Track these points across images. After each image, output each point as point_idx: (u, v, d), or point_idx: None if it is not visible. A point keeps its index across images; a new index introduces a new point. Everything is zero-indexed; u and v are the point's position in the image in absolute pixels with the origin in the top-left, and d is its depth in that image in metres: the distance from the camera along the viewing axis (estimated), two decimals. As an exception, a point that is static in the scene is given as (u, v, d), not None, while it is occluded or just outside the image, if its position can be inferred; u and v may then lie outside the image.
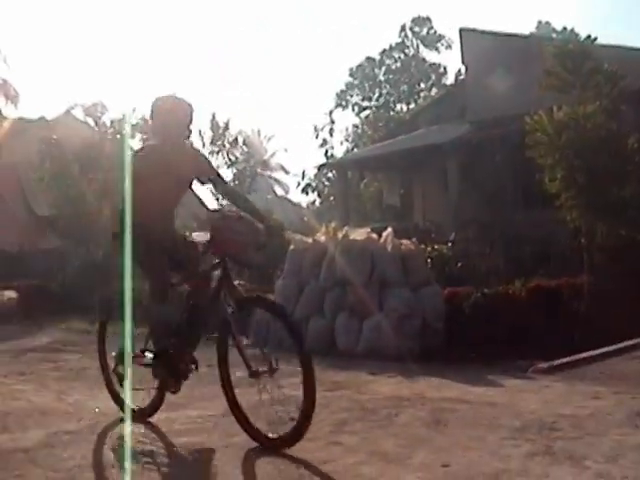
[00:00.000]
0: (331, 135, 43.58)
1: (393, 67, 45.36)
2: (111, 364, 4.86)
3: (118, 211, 4.58)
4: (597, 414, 4.33)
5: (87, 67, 60.48)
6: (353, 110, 45.08)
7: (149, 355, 4.51)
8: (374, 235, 7.81)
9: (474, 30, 16.87)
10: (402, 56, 45.45)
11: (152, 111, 4.44)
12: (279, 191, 40.54)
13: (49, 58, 63.63)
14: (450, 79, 41.80)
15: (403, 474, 3.35)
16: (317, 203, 36.12)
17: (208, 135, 32.41)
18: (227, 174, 23.32)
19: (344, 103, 45.09)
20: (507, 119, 12.60)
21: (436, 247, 10.38)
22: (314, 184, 37.03)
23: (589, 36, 8.97)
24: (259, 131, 36.78)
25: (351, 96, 45.33)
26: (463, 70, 20.86)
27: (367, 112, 44.46)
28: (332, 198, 32.93)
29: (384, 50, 45.47)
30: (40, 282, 14.46)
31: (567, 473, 3.29)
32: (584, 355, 6.12)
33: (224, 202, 21.38)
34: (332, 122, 44.07)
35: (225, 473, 3.59)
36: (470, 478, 3.28)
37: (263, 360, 3.97)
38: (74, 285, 13.91)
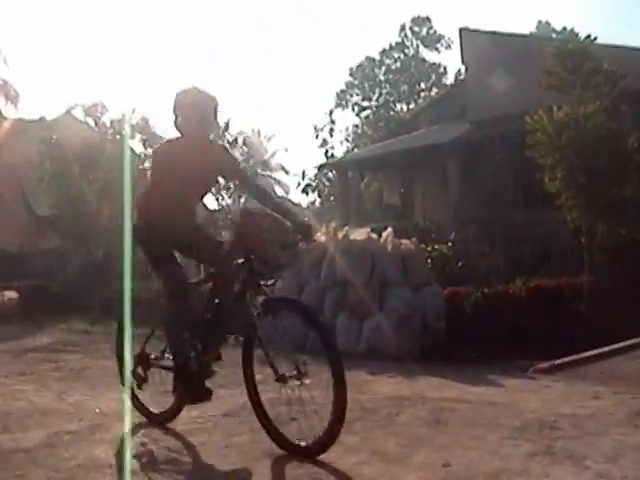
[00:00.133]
0: (331, 135, 43.53)
1: (393, 67, 45.37)
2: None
3: (138, 211, 4.39)
4: (597, 414, 4.34)
5: (87, 67, 60.47)
6: (353, 110, 45.08)
7: (168, 357, 4.39)
8: (374, 235, 7.81)
9: (474, 30, 16.87)
10: (402, 56, 45.46)
11: (174, 105, 4.20)
12: (279, 191, 40.58)
13: (49, 58, 63.63)
14: (450, 79, 41.85)
15: (404, 474, 3.35)
16: (317, 203, 36.18)
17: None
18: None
19: (344, 103, 45.10)
20: (507, 119, 12.60)
21: (436, 247, 10.38)
22: (314, 184, 37.03)
23: (589, 36, 8.96)
24: (259, 131, 36.80)
25: (351, 96, 45.34)
26: (463, 70, 20.87)
27: (367, 112, 44.49)
28: (332, 198, 32.97)
29: (384, 50, 45.49)
30: (40, 282, 14.47)
31: (567, 473, 3.29)
32: (584, 355, 6.12)
33: (224, 203, 21.38)
34: (332, 122, 44.01)
35: (225, 473, 3.59)
36: (470, 478, 3.29)
37: (290, 364, 3.81)
38: (74, 285, 13.92)
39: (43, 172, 15.44)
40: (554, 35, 30.06)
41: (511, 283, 7.65)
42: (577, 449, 3.60)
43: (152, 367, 4.55)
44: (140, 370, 4.58)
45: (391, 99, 45.10)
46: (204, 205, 24.08)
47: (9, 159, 20.28)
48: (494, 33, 16.34)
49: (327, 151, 41.78)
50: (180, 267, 4.26)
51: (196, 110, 4.13)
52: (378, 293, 7.31)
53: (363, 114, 44.62)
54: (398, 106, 44.41)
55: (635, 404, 4.50)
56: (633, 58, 11.87)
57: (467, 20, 69.15)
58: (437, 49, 45.26)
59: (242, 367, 4.08)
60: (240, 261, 4.06)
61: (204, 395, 4.11)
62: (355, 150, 37.14)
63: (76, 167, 15.27)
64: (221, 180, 4.64)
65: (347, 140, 44.21)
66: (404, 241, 7.77)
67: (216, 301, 4.19)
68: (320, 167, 24.08)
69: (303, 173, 34.97)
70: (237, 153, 29.04)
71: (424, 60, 45.24)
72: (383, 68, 45.45)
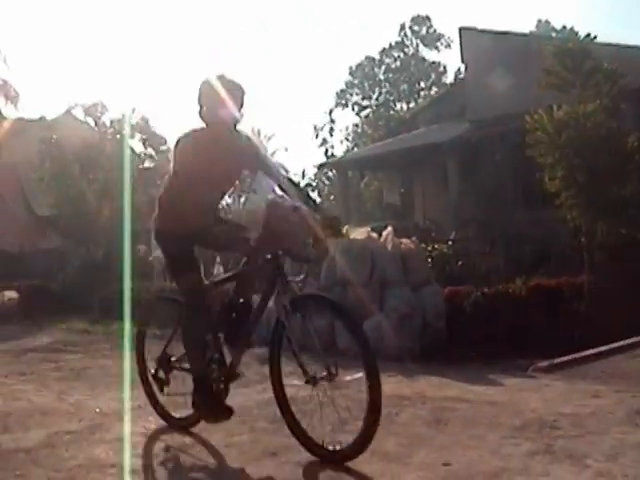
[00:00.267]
0: (331, 134, 43.65)
1: (393, 66, 45.38)
2: (151, 369, 4.57)
3: (157, 206, 4.20)
4: (598, 413, 4.33)
5: (87, 67, 60.44)
6: (353, 109, 45.13)
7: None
8: (374, 234, 7.81)
9: (474, 29, 16.88)
10: (402, 55, 45.48)
11: (199, 94, 3.97)
12: (279, 191, 40.50)
13: (49, 58, 63.64)
14: (450, 78, 41.89)
15: (404, 473, 3.35)
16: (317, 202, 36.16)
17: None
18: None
19: (344, 102, 45.13)
20: (507, 118, 12.60)
21: (436, 246, 10.38)
22: (314, 183, 37.09)
23: (589, 35, 8.96)
24: (259, 131, 36.78)
25: (351, 95, 45.36)
26: (463, 69, 20.88)
27: (367, 111, 44.52)
28: (332, 197, 33.00)
29: (384, 49, 45.51)
30: (40, 282, 14.47)
31: (567, 472, 3.29)
32: (584, 354, 6.12)
33: (224, 202, 21.36)
34: (332, 121, 44.15)
35: (225, 472, 3.59)
36: (471, 477, 3.29)
37: (320, 365, 3.65)
38: (74, 285, 13.92)
39: (43, 172, 15.45)
40: (554, 34, 30.06)
41: (511, 282, 7.65)
42: (577, 448, 3.60)
43: (174, 370, 4.38)
44: (161, 373, 4.44)
45: (391, 98, 45.13)
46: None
47: (9, 159, 20.28)
48: (494, 32, 16.35)
49: (327, 150, 41.87)
50: (199, 269, 4.10)
51: (222, 99, 3.90)
52: (378, 292, 7.30)
53: (363, 113, 44.66)
54: (398, 105, 44.46)
55: (635, 403, 4.49)
56: (633, 57, 11.88)
57: (467, 19, 69.04)
58: (437, 48, 45.29)
59: (269, 367, 3.91)
60: (267, 257, 3.86)
61: (223, 414, 3.92)
62: (355, 149, 37.18)
63: (76, 167, 15.27)
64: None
65: (347, 139, 44.28)
66: (404, 240, 7.77)
67: (241, 300, 4.06)
68: (320, 166, 24.14)
69: (303, 172, 35.04)
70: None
71: (424, 59, 45.26)
72: (383, 67, 45.47)
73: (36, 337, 9.92)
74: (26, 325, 11.41)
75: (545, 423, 4.11)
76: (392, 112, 42.01)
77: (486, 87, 14.73)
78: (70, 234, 15.57)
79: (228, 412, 3.91)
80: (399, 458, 3.56)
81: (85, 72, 58.48)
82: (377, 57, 45.66)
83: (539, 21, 41.32)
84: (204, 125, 3.98)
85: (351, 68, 45.58)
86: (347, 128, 44.91)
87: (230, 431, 4.16)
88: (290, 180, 4.23)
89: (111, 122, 16.35)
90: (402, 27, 45.58)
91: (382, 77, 45.30)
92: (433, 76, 45.12)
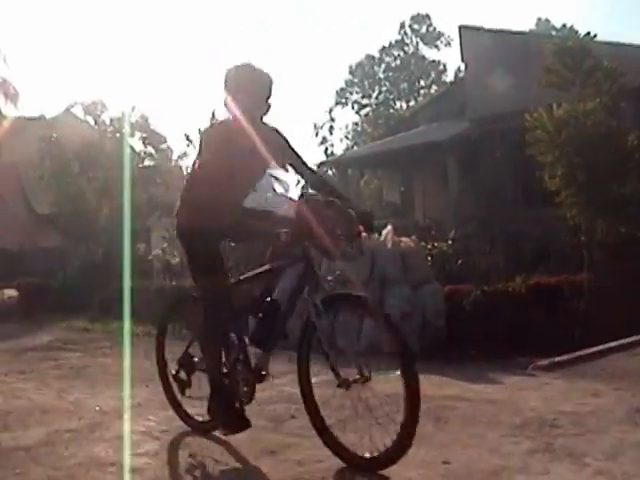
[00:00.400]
0: (331, 133, 43.67)
1: (393, 65, 45.38)
2: (171, 371, 4.40)
3: (180, 201, 3.99)
4: (597, 411, 4.34)
5: (87, 65, 60.43)
6: (353, 108, 45.14)
7: None
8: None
9: (474, 27, 16.85)
10: (402, 54, 45.48)
11: (225, 82, 3.79)
12: (279, 189, 40.54)
13: (49, 57, 63.57)
14: (450, 76, 41.89)
15: (404, 471, 3.35)
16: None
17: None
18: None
19: (344, 101, 45.14)
20: (507, 116, 12.59)
21: (436, 244, 10.37)
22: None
23: (588, 33, 8.97)
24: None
25: (351, 94, 45.37)
26: (463, 67, 20.86)
27: (367, 110, 44.53)
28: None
29: (383, 48, 45.51)
30: (40, 280, 14.49)
31: (567, 470, 3.29)
32: (584, 352, 6.12)
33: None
34: (332, 120, 44.17)
35: (224, 470, 3.59)
36: (470, 475, 3.29)
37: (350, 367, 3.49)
38: (74, 283, 13.94)
39: (43, 170, 15.45)
40: (554, 32, 30.10)
41: (511, 281, 7.65)
42: (577, 446, 3.60)
43: (196, 371, 4.17)
44: (183, 374, 4.25)
45: (391, 97, 45.14)
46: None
47: (9, 157, 20.29)
48: (494, 31, 16.34)
49: (327, 149, 41.89)
50: (224, 266, 3.93)
51: (251, 89, 3.74)
52: (378, 291, 7.29)
53: (363, 112, 44.66)
54: (398, 104, 44.48)
55: (635, 401, 4.49)
56: (633, 55, 11.87)
57: (467, 17, 69.03)
58: (437, 47, 45.29)
59: (297, 371, 3.73)
60: (297, 253, 3.69)
61: (239, 425, 3.73)
62: (355, 148, 37.19)
63: (76, 165, 15.27)
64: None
65: (347, 138, 44.29)
66: (404, 239, 7.76)
67: (268, 299, 3.86)
68: (320, 165, 24.05)
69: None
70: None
71: (424, 58, 45.26)
72: (383, 66, 45.47)
73: (36, 335, 9.92)
74: (26, 323, 11.43)
75: (545, 421, 4.11)
76: (392, 110, 42.03)
77: (486, 86, 14.71)
78: (70, 232, 15.58)
79: (245, 424, 3.73)
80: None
81: (85, 70, 58.47)
82: (377, 56, 45.66)
83: (539, 20, 41.37)
84: (230, 116, 3.81)
85: (351, 67, 45.60)
86: (347, 126, 44.94)
87: (230, 429, 4.15)
88: (318, 175, 4.09)
89: (111, 120, 16.33)
90: (402, 25, 45.59)
91: (382, 75, 45.30)
92: (433, 74, 45.12)
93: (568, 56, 8.51)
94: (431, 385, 5.39)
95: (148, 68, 60.40)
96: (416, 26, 45.41)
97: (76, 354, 8.07)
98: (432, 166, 16.94)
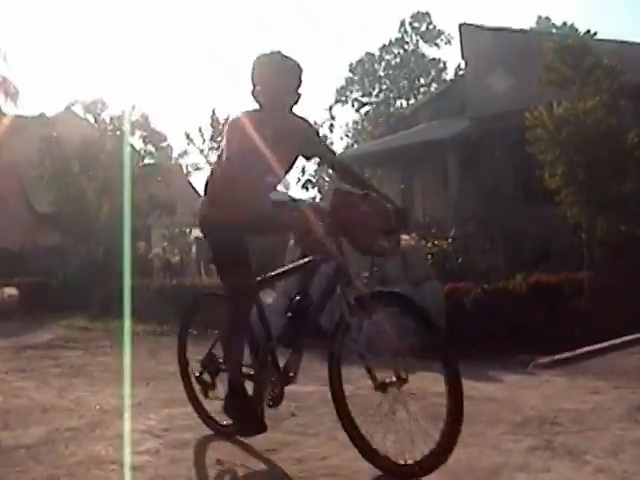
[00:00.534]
0: (331, 131, 43.70)
1: (393, 63, 45.40)
2: (194, 372, 4.26)
3: (205, 194, 3.85)
4: (598, 409, 4.34)
5: (87, 64, 60.47)
6: (353, 106, 45.15)
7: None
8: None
9: (474, 25, 16.82)
10: (402, 52, 45.50)
11: (252, 72, 3.62)
12: (279, 187, 40.50)
13: (49, 55, 63.62)
14: (450, 74, 41.91)
15: (403, 469, 3.34)
16: (317, 199, 36.16)
17: (208, 131, 32.39)
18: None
19: (344, 99, 45.15)
20: (507, 115, 12.58)
21: (436, 243, 10.38)
22: (314, 180, 37.04)
23: (589, 31, 8.98)
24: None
25: (351, 92, 45.38)
26: (463, 65, 20.85)
27: (367, 108, 44.54)
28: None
29: (384, 46, 45.55)
30: (41, 279, 14.51)
31: (568, 468, 3.29)
32: (585, 350, 6.13)
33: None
34: (332, 118, 44.16)
35: (224, 469, 3.59)
36: (471, 473, 3.29)
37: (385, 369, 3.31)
38: (74, 282, 13.96)
39: (43, 169, 15.45)
40: (554, 31, 30.10)
41: (511, 279, 7.65)
42: (577, 444, 3.60)
43: (221, 372, 4.04)
44: (206, 376, 4.10)
45: (391, 95, 45.15)
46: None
47: (9, 156, 20.28)
48: (494, 29, 16.32)
49: (327, 147, 41.81)
50: (250, 262, 3.73)
51: (278, 78, 3.58)
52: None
53: (363, 110, 44.67)
54: (398, 102, 44.47)
55: (635, 399, 4.50)
56: (633, 53, 11.86)
57: (467, 15, 69.08)
58: (437, 44, 45.33)
59: (328, 372, 3.55)
60: (330, 248, 3.49)
61: (255, 428, 3.66)
62: (355, 146, 37.19)
63: (76, 164, 15.29)
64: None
65: (347, 136, 44.33)
66: (404, 237, 7.76)
67: (297, 298, 3.70)
68: (320, 163, 24.07)
69: (303, 169, 35.02)
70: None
71: (424, 55, 45.30)
72: (383, 64, 45.49)
73: (36, 334, 9.94)
74: (26, 322, 11.44)
75: (545, 419, 4.11)
76: (392, 109, 42.02)
77: (486, 84, 14.69)
78: (70, 231, 15.59)
79: (261, 427, 3.66)
80: (399, 454, 3.55)
81: (85, 69, 58.53)
82: (377, 54, 45.67)
83: (539, 18, 41.42)
84: (257, 106, 3.64)
85: (351, 65, 45.62)
86: (347, 125, 44.99)
87: (230, 428, 4.15)
88: (350, 168, 3.96)
89: (111, 119, 16.34)
90: (402, 24, 45.62)
91: (382, 74, 45.32)
92: (433, 73, 45.15)
93: (568, 54, 8.50)
94: (431, 383, 5.40)
95: (148, 67, 60.58)
96: (416, 24, 45.43)
97: (76, 353, 8.08)
98: (432, 164, 16.93)
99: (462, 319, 7.08)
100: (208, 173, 3.96)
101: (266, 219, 3.72)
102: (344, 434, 3.57)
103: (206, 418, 4.21)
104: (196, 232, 16.87)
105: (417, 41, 45.60)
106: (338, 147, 40.92)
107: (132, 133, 16.46)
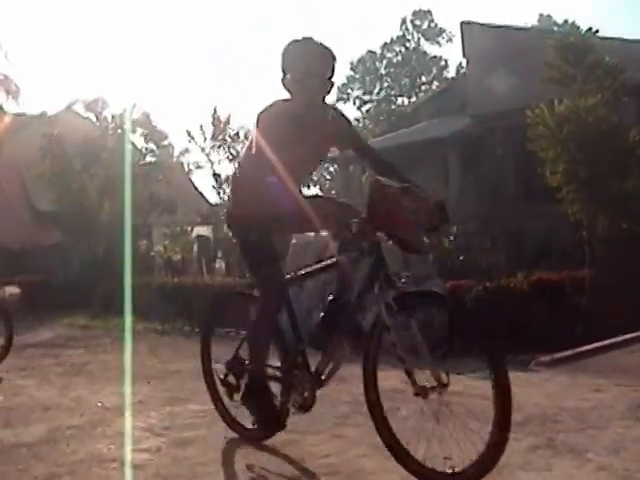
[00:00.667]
0: (332, 129, 43.47)
1: (394, 61, 45.39)
2: (218, 375, 4.11)
3: (232, 190, 3.77)
4: (599, 407, 4.34)
5: (88, 62, 60.47)
6: (354, 104, 45.14)
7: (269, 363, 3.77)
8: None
9: (475, 23, 16.81)
10: (403, 50, 45.49)
11: (282, 59, 3.45)
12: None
13: (50, 53, 63.65)
14: (451, 72, 41.90)
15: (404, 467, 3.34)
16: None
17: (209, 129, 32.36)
18: (229, 168, 23.23)
19: (345, 97, 45.13)
20: (508, 112, 12.57)
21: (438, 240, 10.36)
22: (315, 178, 36.99)
23: (590, 29, 8.95)
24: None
25: (352, 90, 45.34)
26: (464, 63, 20.83)
27: (368, 106, 44.52)
28: (333, 192, 32.94)
29: (385, 44, 45.52)
30: (42, 278, 14.51)
31: (569, 466, 3.29)
32: (586, 348, 6.12)
33: (226, 197, 21.32)
34: (333, 116, 43.96)
35: (225, 468, 3.59)
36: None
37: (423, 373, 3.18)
38: (75, 280, 13.97)
39: (44, 167, 15.45)
40: (556, 28, 30.03)
41: (512, 277, 7.64)
42: (579, 442, 3.60)
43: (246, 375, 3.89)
44: (232, 378, 3.94)
45: (392, 93, 45.14)
46: (206, 199, 24.02)
47: (10, 154, 20.27)
48: (495, 27, 16.30)
49: (328, 145, 41.78)
50: (278, 258, 3.64)
51: (309, 66, 3.38)
52: (379, 287, 7.28)
53: (364, 108, 44.66)
54: (399, 100, 44.45)
55: (637, 397, 4.49)
56: (635, 51, 11.83)
57: (468, 13, 69.05)
58: (438, 42, 45.33)
59: (363, 377, 3.40)
60: (366, 246, 3.33)
61: (273, 423, 3.59)
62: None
63: (77, 162, 15.28)
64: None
65: (348, 134, 44.19)
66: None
67: (330, 297, 3.57)
68: (320, 161, 24.07)
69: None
70: (239, 147, 29.17)
71: (425, 53, 45.29)
72: (384, 62, 45.47)
73: (37, 332, 9.95)
74: (27, 320, 11.42)
75: (547, 417, 4.11)
76: (393, 107, 42.04)
77: (487, 82, 14.67)
78: (71, 230, 15.60)
79: (279, 426, 3.60)
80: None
81: (86, 67, 58.51)
82: (378, 51, 45.65)
83: (541, 15, 41.40)
84: (288, 96, 3.47)
85: (352, 63, 45.60)
86: (348, 123, 44.87)
87: (231, 426, 4.15)
88: (386, 161, 3.76)
89: (112, 117, 16.33)
90: (403, 21, 45.61)
91: (383, 72, 45.30)
92: (434, 70, 45.13)
93: (570, 52, 8.49)
94: (432, 381, 5.39)
95: (149, 65, 60.58)
96: (417, 22, 45.41)
97: (78, 351, 8.09)
98: (433, 162, 16.90)
99: (463, 317, 7.06)
100: (235, 167, 3.84)
101: (303, 213, 3.51)
102: (346, 432, 3.57)
103: (230, 421, 4.08)
104: (198, 230, 16.89)
105: (418, 39, 45.59)
106: (339, 145, 40.87)
107: (133, 131, 16.47)
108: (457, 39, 22.80)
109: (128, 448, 3.84)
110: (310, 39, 3.46)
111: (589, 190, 7.92)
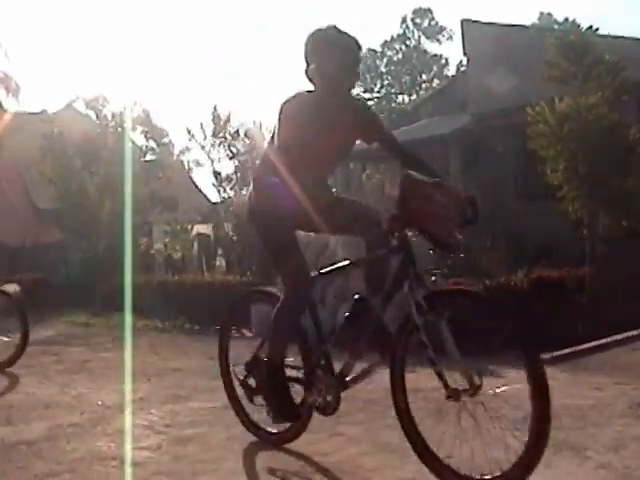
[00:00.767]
0: (333, 127, 43.44)
1: (394, 58, 45.34)
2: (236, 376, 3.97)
3: (254, 185, 3.62)
4: (599, 405, 4.34)
5: (88, 60, 60.38)
6: (355, 102, 44.98)
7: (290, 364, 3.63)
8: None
9: (476, 21, 16.81)
10: (403, 47, 45.45)
11: (306, 49, 3.36)
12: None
13: (50, 51, 63.60)
14: (452, 70, 41.86)
15: (405, 465, 3.35)
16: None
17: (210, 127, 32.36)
18: (229, 166, 23.22)
19: (345, 95, 44.96)
20: (509, 110, 12.57)
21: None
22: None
23: (590, 27, 8.96)
24: (261, 123, 36.68)
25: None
26: (465, 61, 20.82)
27: (369, 103, 44.41)
28: (334, 190, 32.96)
29: (385, 42, 45.47)
30: (42, 275, 14.49)
31: (569, 463, 3.29)
32: (586, 346, 6.12)
33: (226, 194, 21.33)
34: (334, 114, 43.94)
35: (225, 465, 3.59)
36: (472, 469, 3.28)
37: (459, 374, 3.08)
38: (76, 278, 13.96)
39: (45, 165, 15.43)
40: (556, 26, 30.03)
41: (513, 275, 7.64)
42: (579, 440, 3.60)
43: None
44: (252, 380, 3.78)
45: (393, 90, 45.07)
46: (206, 198, 24.03)
47: (10, 152, 20.25)
48: (496, 25, 16.29)
49: (329, 143, 41.80)
50: (302, 255, 3.49)
51: (335, 56, 3.28)
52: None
53: (365, 106, 44.53)
54: (400, 98, 44.39)
55: (637, 395, 4.49)
56: (635, 49, 11.82)
57: (469, 11, 68.95)
58: (439, 40, 45.28)
59: (390, 378, 3.28)
60: (394, 243, 3.22)
61: (289, 413, 3.47)
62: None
63: (78, 160, 15.26)
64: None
65: (349, 132, 44.17)
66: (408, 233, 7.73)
67: (356, 296, 3.45)
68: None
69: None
70: (239, 145, 29.21)
71: (426, 51, 45.24)
72: (385, 60, 45.40)
73: (38, 330, 9.92)
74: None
75: (547, 415, 4.10)
76: (394, 104, 41.95)
77: (488, 80, 14.67)
78: (72, 228, 15.58)
79: (295, 416, 3.50)
80: (400, 450, 3.54)
81: (86, 65, 58.44)
82: (379, 49, 45.59)
83: (541, 14, 41.34)
84: (312, 87, 3.37)
85: (352, 61, 45.49)
86: (349, 121, 44.87)
87: (231, 423, 4.15)
88: (414, 154, 3.66)
89: (112, 115, 16.31)
90: (404, 19, 45.57)
91: (384, 69, 45.24)
92: (435, 68, 45.10)
93: (570, 50, 8.49)
94: (432, 379, 5.39)
95: (150, 63, 60.50)
96: (418, 20, 45.37)
97: (78, 348, 8.09)
98: (434, 160, 16.85)
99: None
100: (258, 161, 3.73)
101: (327, 212, 3.43)
102: (347, 430, 3.56)
103: (249, 424, 3.97)
104: (198, 228, 16.87)
105: (419, 37, 45.55)
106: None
107: (133, 129, 16.45)
108: (457, 37, 22.81)
109: (128, 446, 3.84)
110: (334, 28, 3.35)
111: (589, 188, 7.92)
